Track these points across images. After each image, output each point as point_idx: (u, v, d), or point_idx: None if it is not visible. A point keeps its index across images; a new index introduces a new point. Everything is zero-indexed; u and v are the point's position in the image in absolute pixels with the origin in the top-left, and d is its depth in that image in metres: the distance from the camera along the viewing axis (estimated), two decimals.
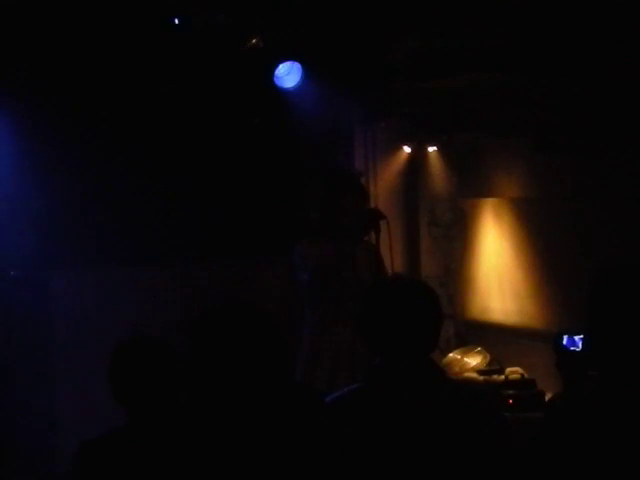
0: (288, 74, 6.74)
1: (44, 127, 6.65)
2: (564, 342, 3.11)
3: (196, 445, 2.72)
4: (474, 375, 6.83)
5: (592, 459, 2.54)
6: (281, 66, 6.70)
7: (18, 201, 6.73)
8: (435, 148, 7.84)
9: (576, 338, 3.09)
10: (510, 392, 6.31)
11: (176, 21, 5.27)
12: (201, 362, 2.68)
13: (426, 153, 7.91)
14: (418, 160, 7.95)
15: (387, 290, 3.16)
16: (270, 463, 2.54)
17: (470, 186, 7.82)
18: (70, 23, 5.58)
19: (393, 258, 5.63)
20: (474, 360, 7.05)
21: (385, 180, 7.82)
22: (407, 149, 7.87)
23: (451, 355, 7.19)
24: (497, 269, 7.53)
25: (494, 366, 6.92)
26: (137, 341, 3.32)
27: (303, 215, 7.16)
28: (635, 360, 2.59)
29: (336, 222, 5.49)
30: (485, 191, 7.66)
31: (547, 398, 6.06)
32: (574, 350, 3.07)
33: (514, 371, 6.54)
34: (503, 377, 6.56)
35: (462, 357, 7.11)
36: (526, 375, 6.44)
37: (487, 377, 6.71)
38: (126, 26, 5.72)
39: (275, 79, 6.73)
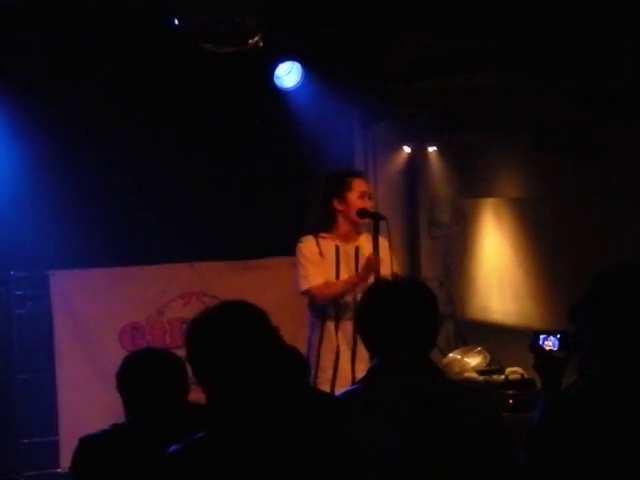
0: (288, 74, 6.74)
1: (44, 127, 6.65)
2: (540, 342, 3.10)
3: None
4: (474, 375, 6.82)
5: (595, 457, 2.54)
6: (281, 66, 6.70)
7: (18, 201, 6.73)
8: (435, 148, 7.84)
9: (552, 338, 3.09)
10: (510, 392, 6.31)
11: (176, 22, 5.26)
12: (198, 363, 2.68)
13: (426, 153, 7.90)
14: (418, 160, 7.95)
15: (384, 291, 3.16)
16: (267, 464, 2.53)
17: (470, 186, 7.82)
18: (70, 23, 5.57)
19: (394, 257, 5.61)
20: (474, 360, 7.05)
21: (385, 180, 7.82)
22: (407, 149, 7.87)
23: (451, 355, 7.18)
24: (497, 269, 7.54)
25: (494, 366, 6.92)
26: (145, 352, 3.59)
27: (305, 215, 7.16)
28: (636, 357, 2.59)
29: (351, 207, 5.46)
30: (485, 191, 7.66)
31: None
32: (551, 350, 3.06)
33: (514, 371, 6.54)
34: (503, 377, 6.55)
35: (462, 357, 7.11)
36: (526, 375, 6.43)
37: (487, 377, 6.71)
38: (126, 26, 5.71)
39: (275, 79, 6.73)
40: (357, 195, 5.45)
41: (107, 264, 6.91)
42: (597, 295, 2.67)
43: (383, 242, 5.44)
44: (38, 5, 5.26)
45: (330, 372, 5.40)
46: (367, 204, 5.46)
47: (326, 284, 5.42)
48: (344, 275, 5.46)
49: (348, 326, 5.40)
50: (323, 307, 5.46)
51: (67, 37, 5.80)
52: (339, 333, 5.43)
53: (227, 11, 5.29)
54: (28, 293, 6.87)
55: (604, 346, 2.63)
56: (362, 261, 5.45)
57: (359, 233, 5.55)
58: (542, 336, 3.12)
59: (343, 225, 5.50)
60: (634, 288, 2.64)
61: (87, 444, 3.35)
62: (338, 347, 5.44)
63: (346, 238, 5.50)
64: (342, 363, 5.42)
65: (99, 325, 6.88)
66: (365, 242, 5.50)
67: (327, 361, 5.42)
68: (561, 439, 2.56)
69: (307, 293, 5.46)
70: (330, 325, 5.46)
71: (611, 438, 2.54)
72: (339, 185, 5.48)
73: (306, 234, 5.56)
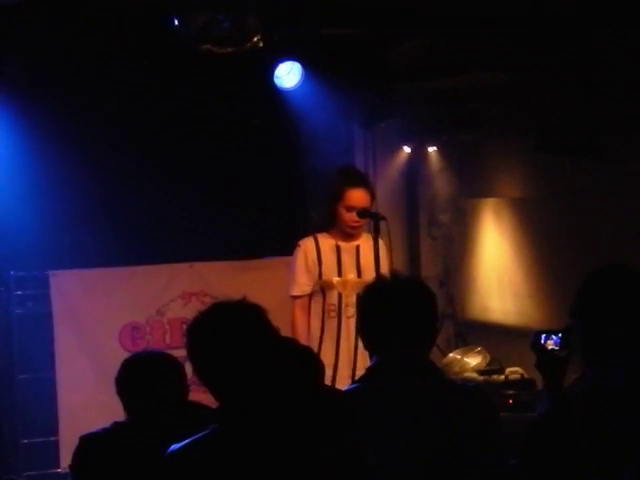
0: (288, 74, 6.74)
1: (45, 128, 6.64)
2: (542, 341, 3.10)
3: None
4: (474, 375, 6.83)
5: (593, 456, 2.54)
6: (281, 66, 6.70)
7: (19, 201, 6.73)
8: (435, 148, 7.84)
9: (554, 337, 3.09)
10: (510, 392, 6.32)
11: (176, 22, 5.26)
12: (199, 362, 2.69)
13: (426, 153, 7.91)
14: (418, 160, 7.95)
15: (383, 290, 3.16)
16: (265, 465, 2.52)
17: (470, 186, 7.82)
18: (70, 23, 5.58)
19: (393, 258, 5.62)
20: (474, 360, 7.06)
21: (385, 180, 7.82)
22: (407, 149, 7.87)
23: (451, 355, 7.19)
24: (497, 269, 7.54)
25: (494, 366, 6.93)
26: (143, 356, 3.58)
27: (305, 215, 7.17)
28: (624, 356, 2.60)
29: (340, 218, 5.46)
30: (485, 191, 7.67)
31: None
32: (553, 349, 3.06)
33: (514, 371, 6.55)
34: (503, 377, 6.56)
35: (462, 357, 7.11)
36: (526, 375, 6.44)
37: (487, 377, 6.71)
38: (127, 26, 5.72)
39: (275, 79, 6.73)
40: (346, 209, 5.43)
41: (107, 264, 6.91)
42: (586, 296, 2.69)
43: (382, 244, 5.46)
44: (39, 5, 5.26)
45: (330, 371, 5.40)
46: (353, 219, 5.44)
47: (299, 317, 5.49)
48: (346, 273, 5.48)
49: (351, 324, 5.41)
50: (323, 306, 5.49)
51: (67, 37, 5.80)
52: (342, 332, 5.44)
53: (227, 11, 5.29)
54: (28, 293, 6.86)
55: (594, 346, 2.64)
56: (362, 260, 5.48)
57: (360, 233, 5.57)
58: (544, 335, 3.12)
59: (341, 224, 5.51)
60: (622, 290, 2.66)
61: (88, 442, 3.36)
62: (338, 346, 5.45)
63: (346, 237, 5.51)
64: (342, 362, 5.43)
65: (99, 325, 6.88)
66: (365, 241, 5.53)
67: (329, 356, 5.42)
68: (560, 438, 2.57)
69: (293, 299, 5.54)
70: (332, 323, 5.47)
71: (608, 438, 2.54)
72: (334, 192, 5.47)
73: (307, 235, 5.58)
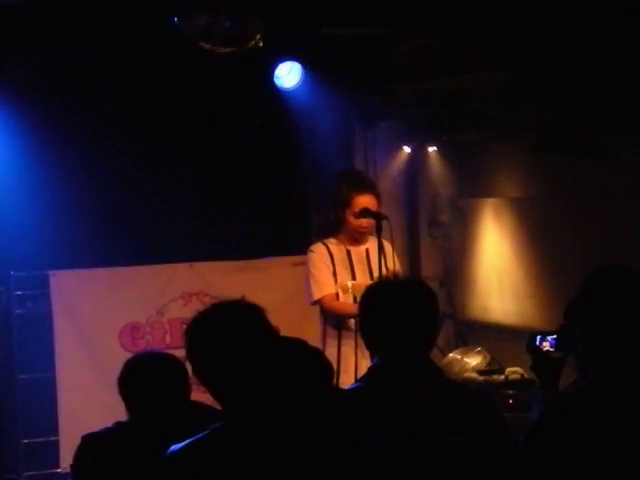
0: (288, 74, 6.74)
1: (45, 127, 6.64)
2: (537, 343, 3.10)
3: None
4: (474, 375, 6.83)
5: (591, 457, 2.54)
6: (281, 66, 6.70)
7: (19, 201, 6.72)
8: (435, 148, 7.84)
9: (549, 339, 3.09)
10: (510, 392, 6.32)
11: (176, 21, 5.26)
12: (197, 362, 2.69)
13: (426, 153, 7.91)
14: (418, 160, 7.95)
15: (385, 290, 3.16)
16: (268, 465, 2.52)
17: (470, 186, 7.82)
18: (70, 23, 5.58)
19: (396, 261, 5.61)
20: (474, 360, 7.06)
21: (385, 180, 7.82)
22: (407, 149, 7.87)
23: (451, 355, 7.19)
24: (497, 269, 7.54)
25: (494, 366, 6.93)
26: (145, 356, 3.55)
27: (305, 215, 7.17)
28: (628, 358, 2.60)
29: (348, 224, 5.43)
30: (485, 191, 7.67)
31: None
32: (548, 351, 3.06)
33: (514, 371, 6.55)
34: (503, 377, 6.57)
35: (462, 357, 7.11)
36: (526, 375, 6.44)
37: (487, 377, 6.72)
38: (127, 26, 5.72)
39: (275, 79, 6.73)
40: (354, 215, 5.40)
41: (107, 264, 6.90)
42: (586, 296, 2.69)
43: (387, 245, 5.45)
44: (39, 5, 5.26)
45: (350, 376, 5.29)
46: (362, 223, 5.41)
47: (339, 302, 5.40)
48: (360, 277, 5.45)
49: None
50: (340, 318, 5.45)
51: (67, 37, 5.80)
52: (358, 344, 5.37)
53: (227, 11, 5.29)
54: (28, 293, 6.86)
55: (594, 346, 2.64)
56: (373, 262, 5.45)
57: (367, 237, 5.56)
58: (539, 337, 3.12)
59: (349, 230, 5.50)
60: (623, 290, 2.66)
61: (89, 442, 3.36)
62: (356, 350, 5.39)
63: (355, 241, 5.50)
64: (360, 367, 5.36)
65: (99, 325, 6.87)
66: (372, 244, 5.51)
67: (346, 378, 5.31)
68: (558, 439, 2.56)
69: (318, 303, 5.45)
70: (349, 338, 5.41)
71: (607, 438, 2.54)
72: (340, 198, 5.44)
73: (315, 241, 5.56)
